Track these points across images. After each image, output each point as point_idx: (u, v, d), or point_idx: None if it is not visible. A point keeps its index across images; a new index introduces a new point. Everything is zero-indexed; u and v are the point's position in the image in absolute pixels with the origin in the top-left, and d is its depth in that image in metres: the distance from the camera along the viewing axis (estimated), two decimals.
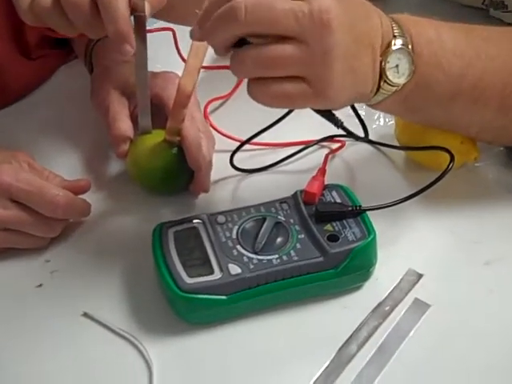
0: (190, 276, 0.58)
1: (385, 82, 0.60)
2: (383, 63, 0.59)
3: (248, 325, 0.60)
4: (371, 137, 0.77)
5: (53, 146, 0.80)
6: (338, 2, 0.54)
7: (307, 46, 0.53)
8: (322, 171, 0.67)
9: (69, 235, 0.68)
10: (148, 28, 0.85)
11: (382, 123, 0.80)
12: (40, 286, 0.63)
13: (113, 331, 0.59)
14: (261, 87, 0.55)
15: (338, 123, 0.65)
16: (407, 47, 0.60)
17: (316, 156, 0.77)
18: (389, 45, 0.59)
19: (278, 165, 0.76)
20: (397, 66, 0.59)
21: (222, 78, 0.90)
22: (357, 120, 0.71)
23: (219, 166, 0.74)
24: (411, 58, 0.60)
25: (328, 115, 0.64)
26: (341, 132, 0.77)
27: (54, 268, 0.65)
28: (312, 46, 0.53)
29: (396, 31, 0.60)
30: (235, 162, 0.75)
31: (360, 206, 0.62)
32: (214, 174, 0.72)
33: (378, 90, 0.60)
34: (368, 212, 0.63)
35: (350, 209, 0.62)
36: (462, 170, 0.71)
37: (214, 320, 0.59)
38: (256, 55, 0.54)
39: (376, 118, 0.80)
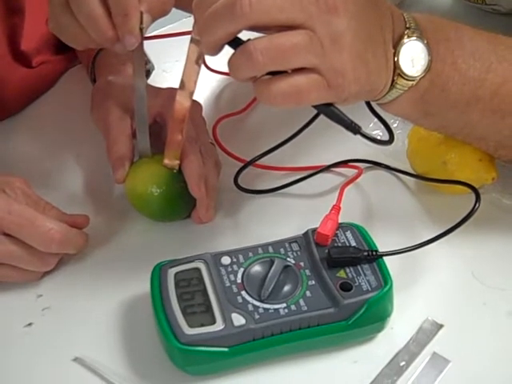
0: (190, 326, 0.53)
1: (399, 75, 0.56)
2: (396, 56, 0.56)
3: (251, 377, 0.55)
4: (387, 161, 0.74)
5: (51, 164, 0.76)
6: None
7: (315, 33, 0.50)
8: (337, 209, 0.62)
9: (64, 266, 0.64)
10: (168, 32, 0.83)
11: (399, 145, 0.75)
12: (29, 325, 0.59)
13: (106, 380, 0.55)
14: (270, 86, 0.51)
15: (354, 128, 0.58)
16: (422, 40, 0.56)
17: (329, 179, 0.72)
18: (402, 36, 0.56)
19: (287, 188, 0.72)
20: (411, 59, 0.56)
21: (235, 90, 0.86)
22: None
23: (226, 185, 0.70)
24: (427, 50, 0.56)
25: (342, 119, 0.56)
26: (354, 157, 0.73)
27: (46, 304, 0.61)
28: (319, 33, 0.50)
29: (409, 24, 0.57)
30: (242, 182, 0.71)
31: (376, 251, 0.58)
32: (220, 194, 0.69)
33: (392, 85, 0.56)
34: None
35: (365, 254, 0.57)
36: (486, 204, 0.66)
37: (215, 372, 0.55)
38: (266, 46, 0.50)
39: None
